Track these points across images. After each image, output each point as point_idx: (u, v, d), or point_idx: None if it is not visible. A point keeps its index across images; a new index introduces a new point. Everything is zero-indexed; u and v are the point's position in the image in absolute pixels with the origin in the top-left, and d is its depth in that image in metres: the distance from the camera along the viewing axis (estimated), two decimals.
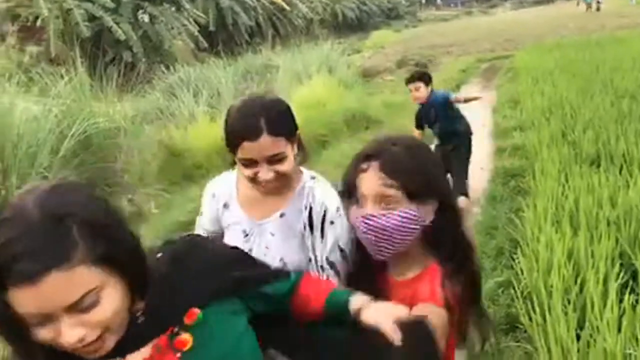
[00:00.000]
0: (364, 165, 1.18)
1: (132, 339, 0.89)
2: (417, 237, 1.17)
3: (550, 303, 2.57)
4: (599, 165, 4.53)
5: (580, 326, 2.44)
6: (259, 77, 11.21)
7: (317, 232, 1.42)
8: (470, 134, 4.63)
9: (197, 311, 0.94)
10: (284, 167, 1.38)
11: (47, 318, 0.78)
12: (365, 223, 1.16)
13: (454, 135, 4.47)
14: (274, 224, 1.46)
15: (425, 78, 4.44)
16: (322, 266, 1.41)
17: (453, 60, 15.99)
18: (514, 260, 3.44)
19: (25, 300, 0.75)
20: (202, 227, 1.60)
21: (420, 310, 1.07)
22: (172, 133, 7.69)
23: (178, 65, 12.96)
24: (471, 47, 18.71)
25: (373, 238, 1.16)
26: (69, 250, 0.76)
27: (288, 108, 1.44)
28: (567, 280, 2.74)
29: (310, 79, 10.20)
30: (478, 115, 7.64)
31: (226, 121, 1.41)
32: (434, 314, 1.06)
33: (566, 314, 2.47)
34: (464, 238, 1.21)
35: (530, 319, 2.63)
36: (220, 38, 20.58)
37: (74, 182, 0.91)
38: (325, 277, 1.40)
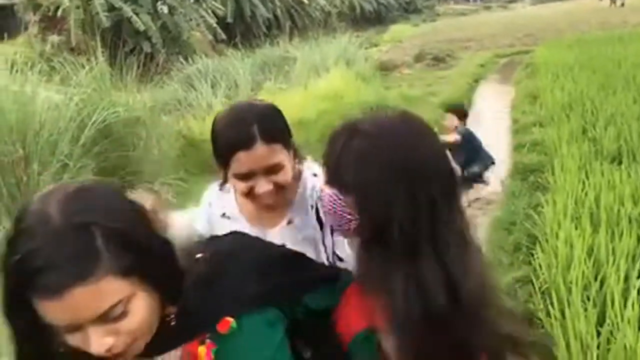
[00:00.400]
0: None
1: (162, 342, 0.85)
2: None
3: (570, 299, 2.56)
4: (620, 162, 4.48)
5: (600, 323, 2.43)
6: (276, 69, 11.21)
7: (327, 229, 1.36)
8: (492, 163, 4.90)
9: (230, 320, 0.87)
10: (282, 177, 1.27)
11: (75, 327, 0.74)
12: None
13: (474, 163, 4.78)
14: (283, 233, 1.37)
15: (458, 114, 5.02)
16: (330, 262, 1.37)
17: (471, 55, 15.85)
18: (532, 255, 3.42)
19: (50, 312, 0.72)
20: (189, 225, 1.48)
21: None
22: (190, 124, 7.76)
23: (196, 56, 13.02)
24: (490, 42, 18.53)
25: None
26: (94, 263, 0.71)
27: (280, 113, 1.33)
28: (587, 277, 2.72)
29: (327, 71, 10.18)
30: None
31: (214, 132, 1.29)
32: None
33: (586, 310, 2.46)
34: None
35: (549, 314, 2.62)
36: (238, 30, 20.60)
37: (100, 185, 0.82)
38: None
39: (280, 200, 1.33)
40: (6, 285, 0.73)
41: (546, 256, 3.12)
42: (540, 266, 3.10)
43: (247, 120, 1.23)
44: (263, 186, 1.25)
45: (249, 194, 1.27)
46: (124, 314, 0.75)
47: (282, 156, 1.26)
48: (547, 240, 3.29)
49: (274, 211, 1.37)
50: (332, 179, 1.01)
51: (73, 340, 0.76)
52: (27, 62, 6.24)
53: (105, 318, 0.74)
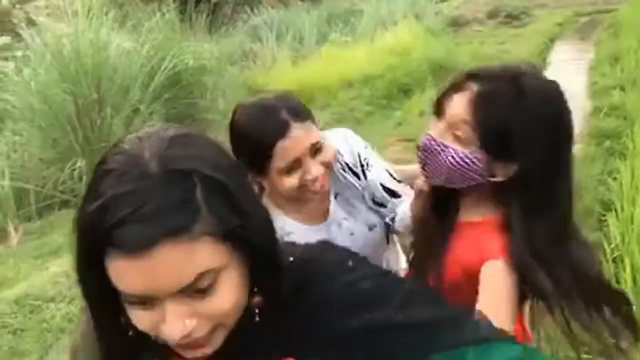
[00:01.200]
0: (462, 84, 1.03)
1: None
2: (485, 184, 1.05)
3: None
4: None
5: None
6: (342, 22, 11.02)
7: (362, 177, 1.36)
8: None
9: None
10: (327, 155, 1.20)
11: (150, 300, 0.59)
12: (424, 141, 1.08)
13: None
14: (339, 211, 1.34)
15: None
16: (370, 207, 1.37)
17: (548, 13, 14.99)
18: (603, 222, 3.29)
19: (126, 275, 0.58)
20: None
21: (487, 272, 1.01)
22: (255, 75, 7.81)
23: (262, 7, 12.95)
24: None
25: (422, 158, 1.10)
26: (191, 216, 0.58)
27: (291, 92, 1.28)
28: None
29: (395, 25, 9.91)
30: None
31: (239, 135, 1.18)
32: (501, 272, 0.99)
33: None
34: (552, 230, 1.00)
35: (619, 281, 2.53)
36: None
37: (199, 133, 0.67)
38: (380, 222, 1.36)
39: (326, 184, 1.24)
40: (80, 238, 0.60)
41: (620, 223, 2.98)
42: (612, 232, 2.98)
43: (273, 108, 1.16)
44: (314, 170, 1.17)
45: (301, 187, 1.18)
46: (211, 289, 0.60)
47: (317, 132, 1.19)
48: (622, 207, 3.14)
49: (317, 197, 1.29)
50: (496, 146, 0.99)
51: (142, 320, 0.61)
52: (102, 8, 6.39)
53: (189, 291, 0.59)
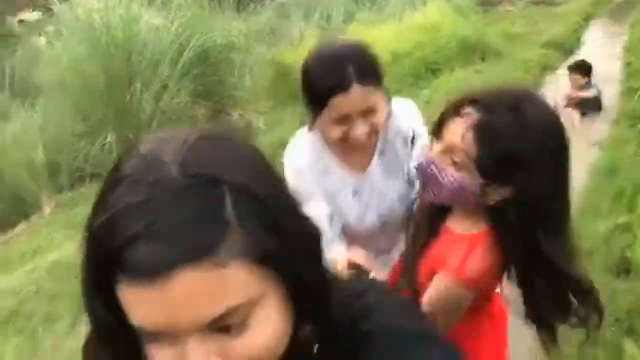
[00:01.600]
0: (464, 109, 1.02)
1: None
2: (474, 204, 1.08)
3: None
4: None
5: None
6: (370, 1, 10.88)
7: (409, 147, 1.38)
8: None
9: None
10: (377, 119, 1.23)
11: (169, 337, 0.48)
12: (422, 163, 1.10)
13: None
14: (377, 169, 1.38)
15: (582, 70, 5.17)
16: (406, 180, 1.39)
17: None
18: (634, 204, 3.23)
19: (139, 306, 0.47)
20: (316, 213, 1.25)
21: (435, 284, 1.10)
22: (282, 52, 7.79)
23: None
24: None
25: (422, 179, 1.12)
26: (219, 235, 0.47)
27: (372, 50, 1.26)
28: None
29: (424, 4, 9.75)
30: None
31: (306, 76, 1.24)
32: (445, 289, 1.08)
33: None
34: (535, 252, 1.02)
35: None
36: None
37: (224, 133, 0.55)
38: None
39: (375, 140, 1.33)
40: (87, 256, 0.50)
41: None
42: None
43: (341, 61, 1.18)
44: (360, 128, 1.22)
45: (344, 137, 1.24)
46: (244, 325, 0.49)
47: (376, 97, 1.22)
48: None
49: (361, 148, 1.35)
50: (493, 173, 1.00)
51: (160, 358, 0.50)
52: None
53: (216, 328, 0.48)
